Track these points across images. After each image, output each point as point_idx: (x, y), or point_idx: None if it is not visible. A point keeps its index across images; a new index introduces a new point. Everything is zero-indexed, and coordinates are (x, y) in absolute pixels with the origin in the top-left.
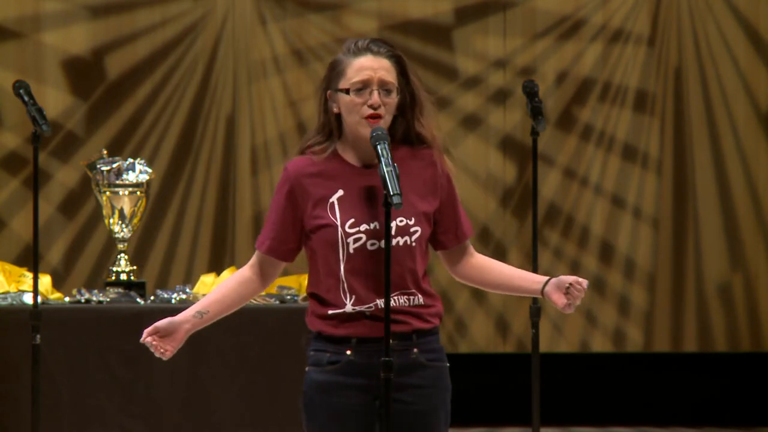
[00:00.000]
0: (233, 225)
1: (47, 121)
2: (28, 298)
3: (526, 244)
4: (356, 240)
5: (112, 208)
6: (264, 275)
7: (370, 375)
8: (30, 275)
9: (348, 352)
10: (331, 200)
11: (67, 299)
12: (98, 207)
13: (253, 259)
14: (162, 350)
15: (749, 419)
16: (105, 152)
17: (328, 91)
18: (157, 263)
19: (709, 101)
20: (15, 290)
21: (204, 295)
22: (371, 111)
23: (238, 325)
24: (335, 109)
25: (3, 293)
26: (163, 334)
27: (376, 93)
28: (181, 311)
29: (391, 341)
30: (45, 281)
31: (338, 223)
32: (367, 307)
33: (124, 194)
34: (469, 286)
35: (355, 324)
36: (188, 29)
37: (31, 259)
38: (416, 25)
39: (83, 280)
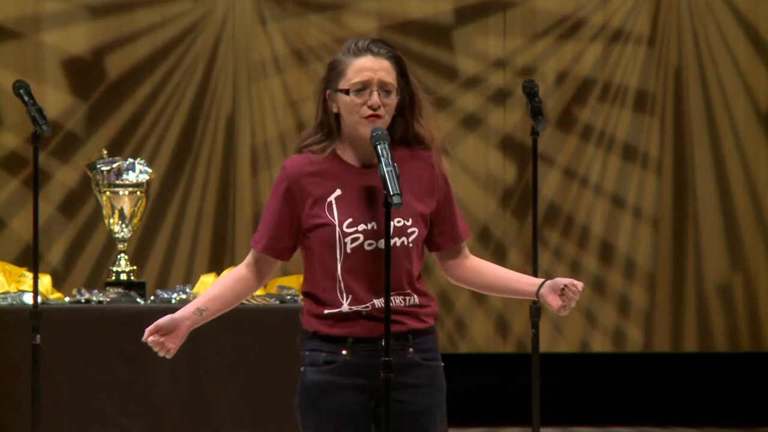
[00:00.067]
0: (233, 225)
1: (47, 121)
2: (28, 298)
3: (526, 244)
4: (354, 240)
5: (112, 208)
6: (260, 274)
7: (366, 375)
8: (30, 275)
9: (344, 352)
10: (329, 200)
11: (67, 299)
12: (98, 207)
13: (249, 258)
14: (165, 349)
15: (749, 419)
16: (105, 152)
17: (327, 91)
18: (157, 263)
19: (709, 101)
20: (15, 290)
21: None
22: (371, 111)
23: (238, 325)
24: (334, 109)
25: (3, 293)
26: (165, 332)
27: (375, 94)
28: None
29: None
30: (45, 281)
31: (336, 222)
32: (364, 307)
33: (124, 194)
34: None
35: (351, 324)
36: (188, 29)
37: (31, 259)
38: (416, 25)
39: (83, 280)
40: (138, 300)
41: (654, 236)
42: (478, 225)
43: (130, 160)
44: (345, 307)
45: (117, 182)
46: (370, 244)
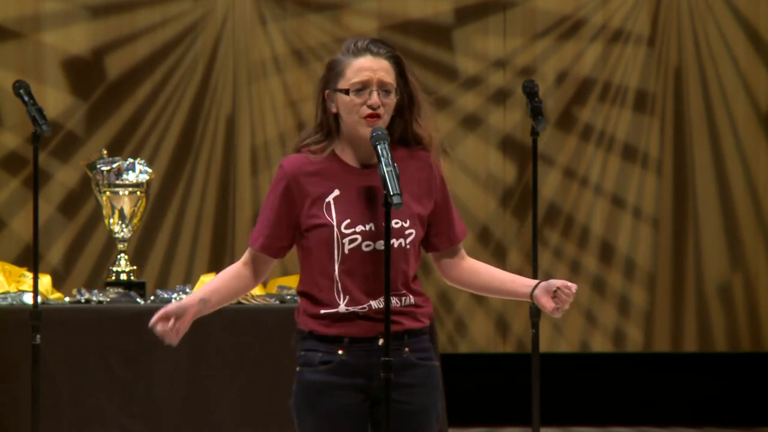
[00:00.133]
0: (233, 225)
1: (47, 121)
2: (28, 298)
3: (526, 244)
4: (352, 241)
5: (112, 208)
6: (257, 272)
7: (362, 375)
8: (30, 275)
9: (340, 352)
10: (327, 200)
11: (67, 299)
12: (98, 207)
13: (246, 256)
14: (173, 334)
15: (749, 419)
16: (105, 152)
17: (327, 91)
18: (157, 263)
19: (709, 101)
20: (15, 290)
21: None
22: (370, 111)
23: (238, 325)
24: (333, 109)
25: (3, 293)
26: (174, 318)
27: (375, 94)
28: None
29: (381, 341)
30: (45, 281)
31: (334, 223)
32: (361, 308)
33: (124, 194)
34: None
35: (347, 324)
36: (188, 29)
37: (31, 259)
38: (416, 25)
39: (83, 280)
40: (138, 300)
41: (654, 236)
42: (478, 225)
43: (130, 160)
44: (342, 307)
45: (117, 182)
46: (367, 245)
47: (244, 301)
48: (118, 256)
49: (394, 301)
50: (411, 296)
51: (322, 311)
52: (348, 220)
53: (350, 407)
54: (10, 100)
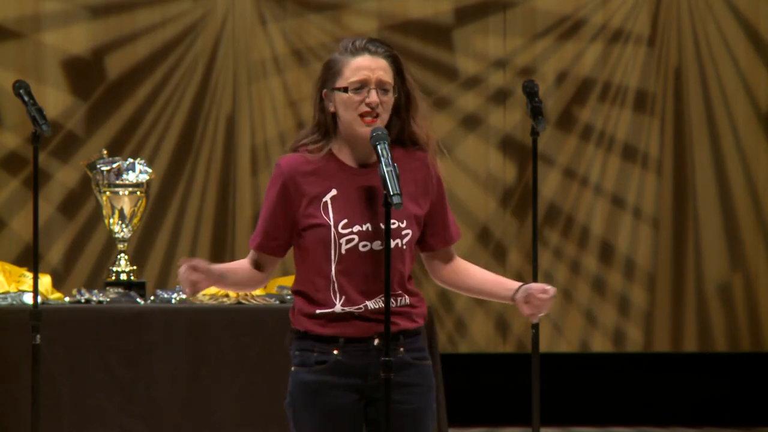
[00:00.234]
0: (233, 225)
1: (47, 121)
2: (28, 298)
3: (526, 244)
4: (348, 241)
5: (112, 208)
6: (263, 270)
7: (357, 375)
8: (30, 275)
9: (335, 352)
10: (324, 200)
11: (67, 299)
12: (98, 207)
13: (250, 256)
14: (188, 284)
15: (749, 419)
16: (105, 152)
17: (324, 91)
18: (157, 263)
19: (709, 101)
20: (15, 290)
21: (204, 294)
22: (368, 109)
23: (238, 325)
24: (331, 109)
25: (3, 293)
26: (199, 272)
27: (374, 92)
28: (182, 311)
29: (376, 341)
30: (45, 281)
31: (331, 223)
32: (357, 308)
33: (124, 194)
34: None
35: (342, 324)
36: (188, 29)
37: (31, 259)
38: (416, 25)
39: (83, 280)
40: (138, 300)
41: (654, 236)
42: (478, 225)
43: (130, 160)
44: (338, 307)
45: (117, 182)
46: (364, 246)
47: (244, 301)
48: (118, 256)
49: (390, 301)
50: (406, 296)
51: (318, 311)
52: (345, 220)
53: (345, 407)
54: (10, 100)
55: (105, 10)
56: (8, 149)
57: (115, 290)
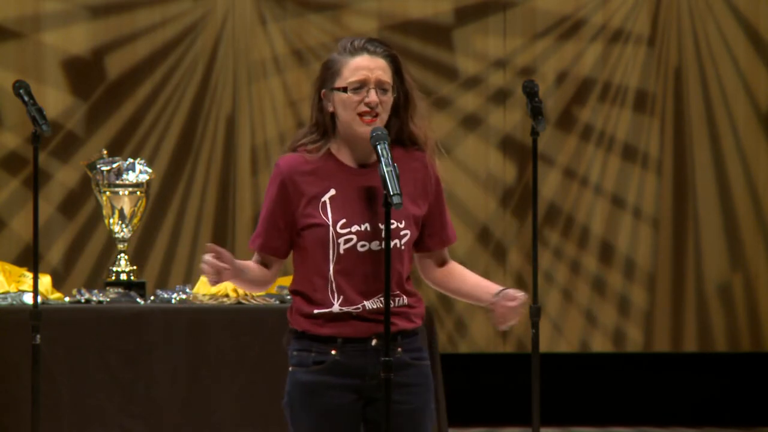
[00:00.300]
0: (233, 225)
1: (47, 121)
2: (28, 298)
3: (526, 244)
4: (347, 241)
5: (112, 208)
6: (269, 269)
7: (355, 375)
8: (30, 275)
9: (333, 352)
10: (323, 199)
11: (67, 299)
12: (98, 207)
13: (254, 258)
14: (211, 272)
15: (749, 419)
16: (105, 152)
17: (323, 91)
18: (157, 263)
19: (709, 101)
20: (15, 290)
21: (204, 294)
22: (367, 109)
23: (238, 325)
24: (330, 109)
25: (3, 293)
26: (223, 260)
27: (373, 92)
28: (182, 311)
29: (374, 342)
30: (45, 281)
31: (330, 222)
32: (354, 308)
33: (124, 194)
34: None
35: (340, 324)
36: (188, 29)
37: (31, 259)
38: (416, 25)
39: (83, 280)
40: (138, 300)
41: (654, 236)
42: (478, 225)
43: (130, 160)
44: (336, 307)
45: (117, 182)
46: (363, 246)
47: (244, 301)
48: (118, 256)
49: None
50: (404, 297)
51: (316, 311)
52: (344, 220)
53: (343, 407)
54: (10, 100)
55: (105, 10)
56: (8, 149)
57: (115, 290)
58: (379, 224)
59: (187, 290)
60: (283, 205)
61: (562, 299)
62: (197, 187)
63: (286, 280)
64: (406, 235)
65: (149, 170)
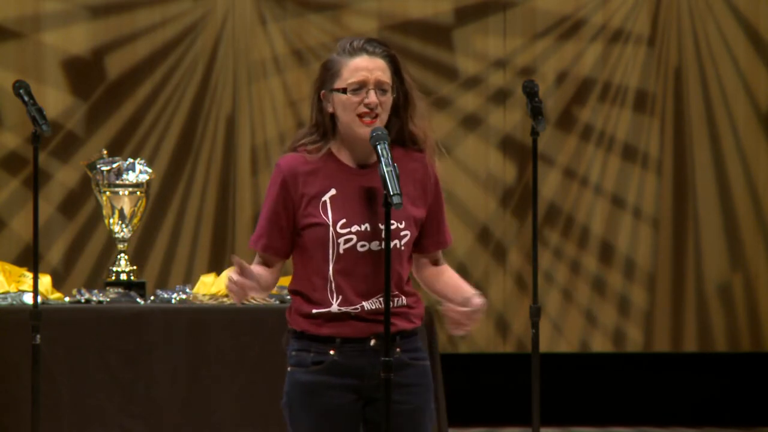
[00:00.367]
0: (233, 225)
1: (47, 121)
2: (28, 298)
3: (526, 244)
4: (347, 241)
5: (112, 208)
6: (271, 270)
7: (354, 375)
8: (30, 275)
9: (331, 352)
10: (323, 199)
11: (67, 299)
12: (98, 207)
13: (256, 261)
14: (242, 294)
15: (749, 419)
16: (105, 152)
17: (322, 92)
18: (157, 263)
19: (709, 101)
20: (15, 290)
21: (204, 294)
22: (367, 110)
23: (238, 325)
24: (329, 109)
25: (3, 293)
26: (246, 276)
27: (372, 92)
28: (182, 311)
29: (373, 342)
30: (45, 281)
31: (330, 222)
32: (353, 309)
33: (124, 194)
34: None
35: (339, 324)
36: (188, 29)
37: (31, 259)
38: (416, 25)
39: (83, 280)
40: (138, 300)
41: (654, 236)
42: (478, 225)
43: (130, 160)
44: (334, 307)
45: (117, 182)
46: (362, 246)
47: (244, 301)
48: (118, 256)
49: None
50: (403, 297)
51: (314, 311)
52: (344, 220)
53: (342, 407)
54: (10, 100)
55: (105, 10)
56: (8, 149)
57: (115, 290)
58: (379, 224)
59: (187, 290)
60: (285, 204)
61: (562, 299)
62: (197, 187)
63: (286, 280)
64: (406, 235)
65: (149, 170)
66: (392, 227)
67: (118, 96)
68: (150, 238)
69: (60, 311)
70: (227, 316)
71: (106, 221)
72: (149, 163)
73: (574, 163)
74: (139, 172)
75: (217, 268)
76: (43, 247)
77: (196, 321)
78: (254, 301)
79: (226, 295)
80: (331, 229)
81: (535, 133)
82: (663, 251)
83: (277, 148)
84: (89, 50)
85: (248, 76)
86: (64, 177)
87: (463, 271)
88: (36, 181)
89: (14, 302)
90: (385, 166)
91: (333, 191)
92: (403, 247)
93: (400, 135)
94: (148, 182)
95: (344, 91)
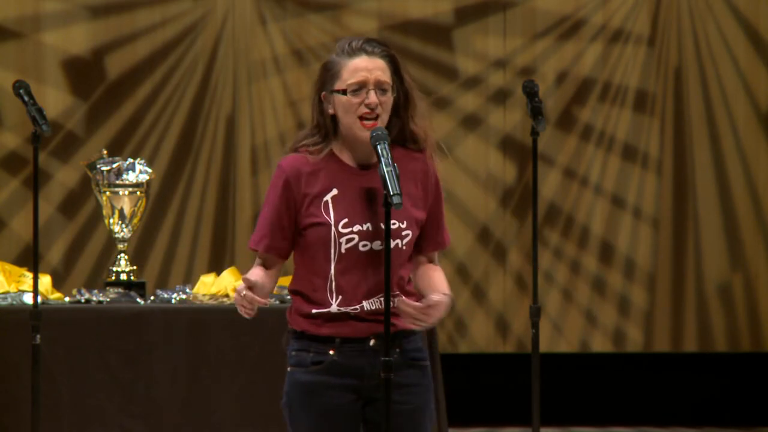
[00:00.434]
0: (233, 225)
1: (47, 121)
2: (28, 298)
3: (526, 244)
4: (349, 240)
5: (112, 208)
6: (271, 271)
7: (353, 375)
8: (30, 275)
9: (331, 352)
10: (325, 199)
11: (67, 299)
12: (98, 207)
13: (257, 263)
14: (250, 308)
15: (749, 419)
16: (105, 152)
17: (323, 93)
18: (157, 263)
19: (709, 101)
20: (15, 290)
21: (204, 294)
22: (368, 111)
23: (238, 325)
24: (330, 111)
25: (3, 293)
26: (254, 290)
27: (372, 93)
28: (182, 311)
29: (372, 342)
30: (45, 281)
31: (332, 222)
32: (353, 308)
33: (124, 194)
34: (470, 286)
35: (339, 324)
36: (188, 29)
37: (31, 259)
38: (416, 25)
39: (83, 280)
40: (138, 300)
41: (654, 236)
42: (478, 225)
43: (130, 160)
44: (334, 307)
45: (117, 182)
46: (364, 246)
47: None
48: (118, 256)
49: None
50: (404, 298)
51: (314, 311)
52: (345, 220)
53: (342, 407)
54: (10, 100)
55: (105, 10)
56: (8, 149)
57: (115, 290)
58: (381, 224)
59: (187, 290)
60: (288, 204)
61: (562, 299)
62: (197, 187)
63: (286, 280)
64: (407, 235)
65: (149, 170)
66: (394, 227)
67: (118, 96)
68: (150, 238)
69: (60, 311)
70: (227, 316)
71: (106, 221)
72: (149, 163)
73: (574, 163)
74: (139, 172)
75: (217, 268)
76: (43, 247)
77: (196, 321)
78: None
79: (226, 295)
80: (333, 228)
81: (535, 133)
82: (663, 251)
83: (277, 148)
84: (89, 50)
85: (248, 76)
86: (64, 177)
87: (463, 271)
88: (36, 181)
89: (14, 302)
90: (385, 166)
91: (335, 191)
92: (404, 247)
93: (401, 135)
94: (148, 182)
95: (344, 92)
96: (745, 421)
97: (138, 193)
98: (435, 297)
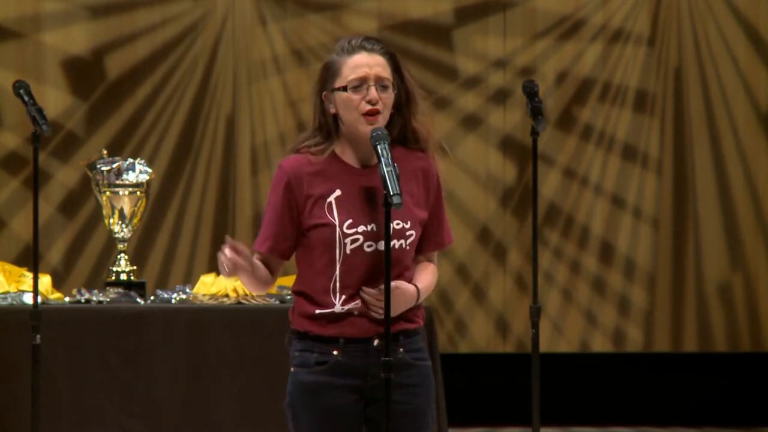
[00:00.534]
0: (233, 225)
1: (47, 121)
2: (28, 298)
3: (526, 244)
4: (353, 241)
5: (112, 208)
6: (272, 271)
7: (357, 375)
8: (30, 275)
9: (335, 353)
10: (329, 200)
11: (67, 299)
12: (98, 207)
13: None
14: (228, 264)
15: (749, 419)
16: (105, 152)
17: (324, 93)
18: (157, 263)
19: (709, 101)
20: (15, 290)
21: (204, 294)
22: (369, 107)
23: (238, 325)
24: (332, 110)
25: (3, 293)
26: (239, 253)
27: (373, 89)
28: (182, 311)
29: (376, 342)
30: (45, 281)
31: (336, 223)
32: (357, 309)
33: (124, 194)
34: (470, 286)
35: (342, 324)
36: (188, 29)
37: (31, 259)
38: (416, 25)
39: (83, 280)
40: (138, 300)
41: (654, 236)
42: (478, 225)
43: (130, 160)
44: (338, 307)
45: (117, 182)
46: (369, 246)
47: (244, 301)
48: (118, 256)
49: None
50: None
51: (318, 311)
52: (350, 220)
53: (345, 407)
54: (10, 100)
55: (105, 10)
56: (8, 149)
57: (115, 290)
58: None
59: (187, 290)
60: (290, 206)
61: (562, 299)
62: (197, 187)
63: (287, 280)
64: (411, 235)
65: (149, 170)
66: (398, 227)
67: (118, 96)
68: (150, 238)
69: (60, 311)
70: (227, 316)
71: (106, 221)
72: (149, 163)
73: (574, 163)
74: (139, 172)
75: (217, 268)
76: (43, 247)
77: (196, 321)
78: (254, 301)
79: (226, 295)
80: (337, 229)
81: (535, 133)
82: (663, 251)
83: (277, 148)
84: (89, 50)
85: (248, 76)
86: (64, 177)
87: (463, 271)
88: (36, 181)
89: (14, 302)
90: (385, 166)
91: (338, 192)
92: (408, 247)
93: (403, 133)
94: (148, 182)
95: (345, 89)
96: (745, 421)
97: (138, 193)
98: (392, 285)
